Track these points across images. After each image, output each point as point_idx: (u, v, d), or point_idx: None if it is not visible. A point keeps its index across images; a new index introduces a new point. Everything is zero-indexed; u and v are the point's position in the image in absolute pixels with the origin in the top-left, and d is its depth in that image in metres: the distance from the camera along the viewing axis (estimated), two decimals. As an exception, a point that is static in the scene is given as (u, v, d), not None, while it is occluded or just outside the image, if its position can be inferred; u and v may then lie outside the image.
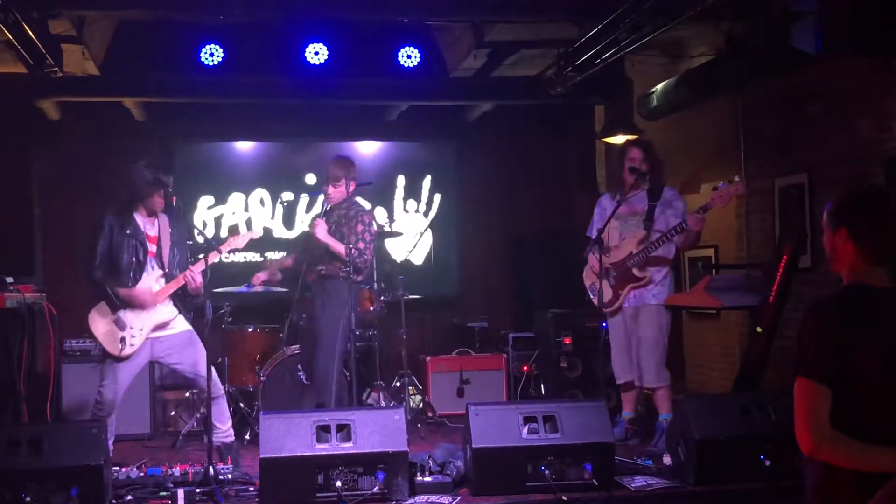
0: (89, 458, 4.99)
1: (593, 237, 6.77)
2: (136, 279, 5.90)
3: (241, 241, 6.20)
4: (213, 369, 5.89)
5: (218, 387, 6.02)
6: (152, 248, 5.98)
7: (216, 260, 5.96)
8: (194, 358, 6.01)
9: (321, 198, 9.45)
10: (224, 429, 6.10)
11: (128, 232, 5.90)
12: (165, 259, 6.01)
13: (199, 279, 5.91)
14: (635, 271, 6.58)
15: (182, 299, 6.09)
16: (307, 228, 9.27)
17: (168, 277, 5.99)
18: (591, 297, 6.89)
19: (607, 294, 6.68)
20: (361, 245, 6.69)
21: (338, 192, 6.85)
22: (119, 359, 5.85)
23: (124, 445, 6.76)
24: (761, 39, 6.84)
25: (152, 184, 5.90)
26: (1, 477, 4.87)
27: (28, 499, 4.83)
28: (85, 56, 7.69)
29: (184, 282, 5.95)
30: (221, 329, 7.49)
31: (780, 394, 5.51)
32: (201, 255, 5.93)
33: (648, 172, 6.69)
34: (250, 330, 7.86)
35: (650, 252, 6.50)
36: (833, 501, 2.75)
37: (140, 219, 5.98)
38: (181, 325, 6.09)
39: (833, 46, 5.78)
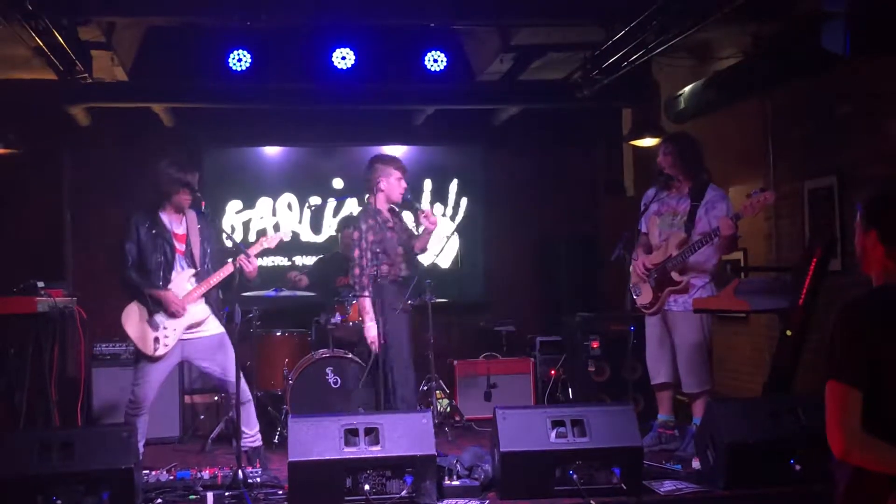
0: (120, 461, 5.02)
1: (642, 230, 6.71)
2: (167, 279, 5.94)
3: (271, 241, 6.23)
4: (241, 374, 5.91)
5: (246, 393, 6.04)
6: (180, 246, 6.01)
7: (254, 252, 6.00)
8: (224, 362, 6.03)
9: (348, 202, 9.55)
10: (252, 434, 6.12)
11: (154, 231, 5.93)
12: (196, 256, 6.03)
13: (255, 262, 5.94)
14: (674, 275, 6.43)
15: (215, 300, 6.13)
16: (333, 233, 9.36)
17: (200, 276, 6.01)
18: (634, 297, 6.73)
19: (647, 296, 6.61)
20: None
21: None
22: (152, 359, 5.89)
23: (154, 449, 6.80)
24: (789, 41, 6.80)
25: (177, 181, 5.93)
26: (32, 480, 4.90)
27: (59, 502, 4.85)
28: (114, 62, 7.76)
29: (213, 284, 5.98)
30: (250, 333, 7.53)
31: (810, 397, 5.47)
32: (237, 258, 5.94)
33: (676, 172, 6.54)
34: (278, 334, 7.89)
35: (688, 256, 6.36)
36: (865, 504, 2.73)
37: (167, 217, 6.01)
38: (214, 327, 6.11)
39: (862, 47, 5.73)
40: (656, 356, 6.68)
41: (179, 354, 6.04)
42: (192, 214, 6.09)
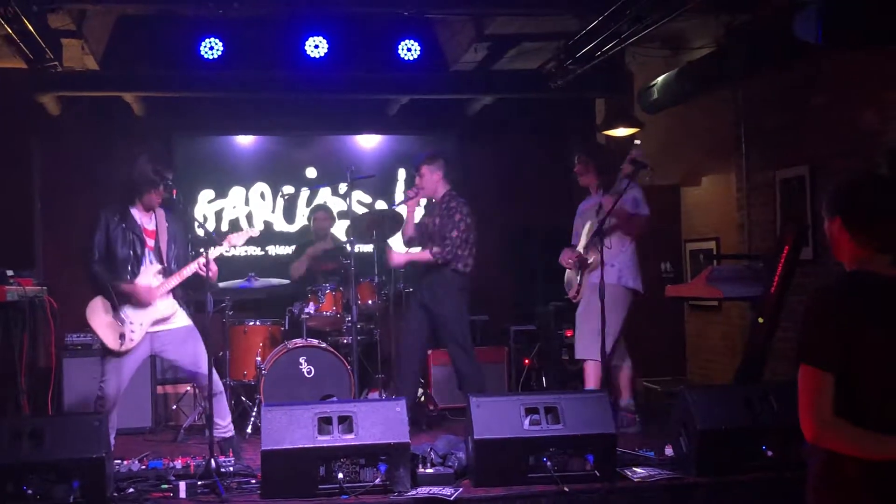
0: (91, 450, 4.99)
1: (574, 243, 7.18)
2: (134, 273, 5.88)
3: (239, 239, 6.20)
4: (213, 366, 5.87)
5: (218, 384, 6.02)
6: (150, 242, 5.96)
7: (217, 254, 5.97)
8: (194, 354, 5.99)
9: (321, 191, 9.51)
10: (224, 425, 6.09)
11: (124, 226, 5.87)
12: (164, 253, 6.00)
13: (215, 266, 5.93)
14: (588, 257, 6.90)
15: (183, 294, 6.08)
16: (306, 222, 9.31)
17: (166, 272, 5.97)
18: (567, 291, 7.25)
19: (574, 285, 7.08)
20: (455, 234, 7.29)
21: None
22: (118, 354, 5.83)
23: (126, 439, 6.76)
24: (762, 31, 6.83)
25: (152, 179, 5.88)
26: (3, 469, 4.86)
27: (30, 491, 4.83)
28: (85, 51, 7.68)
29: (184, 277, 5.94)
30: (222, 323, 7.49)
31: (782, 384, 5.51)
32: (209, 248, 5.91)
33: (592, 178, 7.07)
34: (251, 324, 7.85)
35: (595, 236, 6.60)
36: (837, 489, 2.73)
37: (137, 213, 5.95)
38: (181, 319, 6.07)
39: (835, 37, 5.76)
40: None
41: (148, 349, 5.99)
42: (161, 212, 6.05)
